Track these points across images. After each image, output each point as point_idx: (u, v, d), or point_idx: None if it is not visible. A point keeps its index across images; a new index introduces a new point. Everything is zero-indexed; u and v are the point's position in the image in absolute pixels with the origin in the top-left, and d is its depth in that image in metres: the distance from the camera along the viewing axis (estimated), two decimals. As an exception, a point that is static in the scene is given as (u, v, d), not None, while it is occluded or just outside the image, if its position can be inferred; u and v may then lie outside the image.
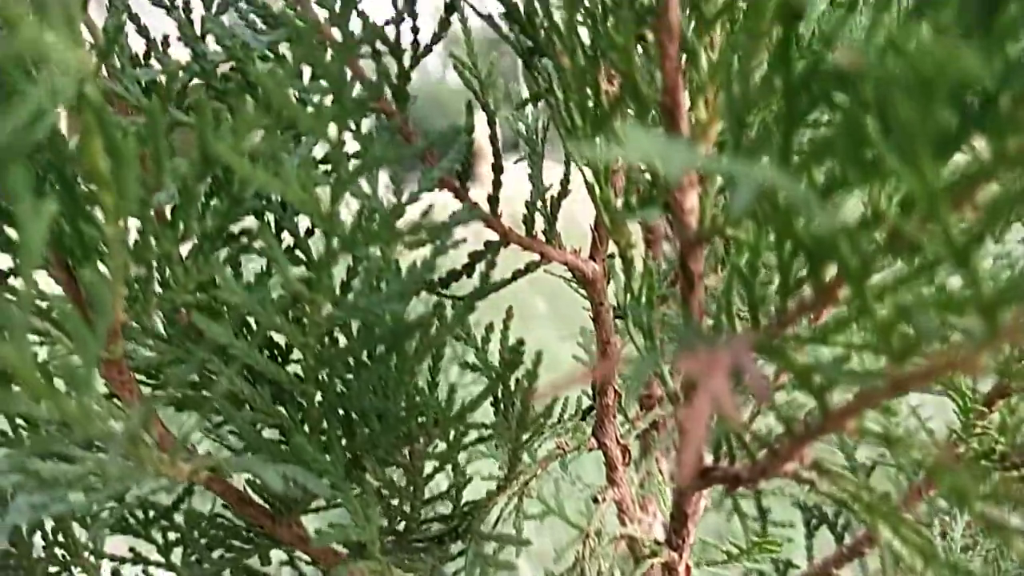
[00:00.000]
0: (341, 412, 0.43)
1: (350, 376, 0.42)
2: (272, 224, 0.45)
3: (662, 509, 0.63)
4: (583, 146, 0.37)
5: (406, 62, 0.44)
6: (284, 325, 0.39)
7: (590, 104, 0.41)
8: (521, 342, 0.43)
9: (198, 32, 0.46)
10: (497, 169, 0.49)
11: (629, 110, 0.38)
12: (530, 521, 0.65)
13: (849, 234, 0.29)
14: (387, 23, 0.44)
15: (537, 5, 0.41)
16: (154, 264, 0.37)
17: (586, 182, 0.45)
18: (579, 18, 0.40)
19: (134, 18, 0.45)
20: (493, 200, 0.48)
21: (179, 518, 0.55)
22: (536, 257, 0.52)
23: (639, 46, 0.37)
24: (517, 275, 0.51)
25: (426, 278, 0.40)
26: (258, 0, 0.43)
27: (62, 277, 0.40)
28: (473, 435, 0.52)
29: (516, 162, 0.58)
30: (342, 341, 0.44)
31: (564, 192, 0.52)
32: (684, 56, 0.36)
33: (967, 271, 0.24)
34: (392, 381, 0.41)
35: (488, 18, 0.44)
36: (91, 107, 0.28)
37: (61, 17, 0.23)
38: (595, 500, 0.64)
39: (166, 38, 0.45)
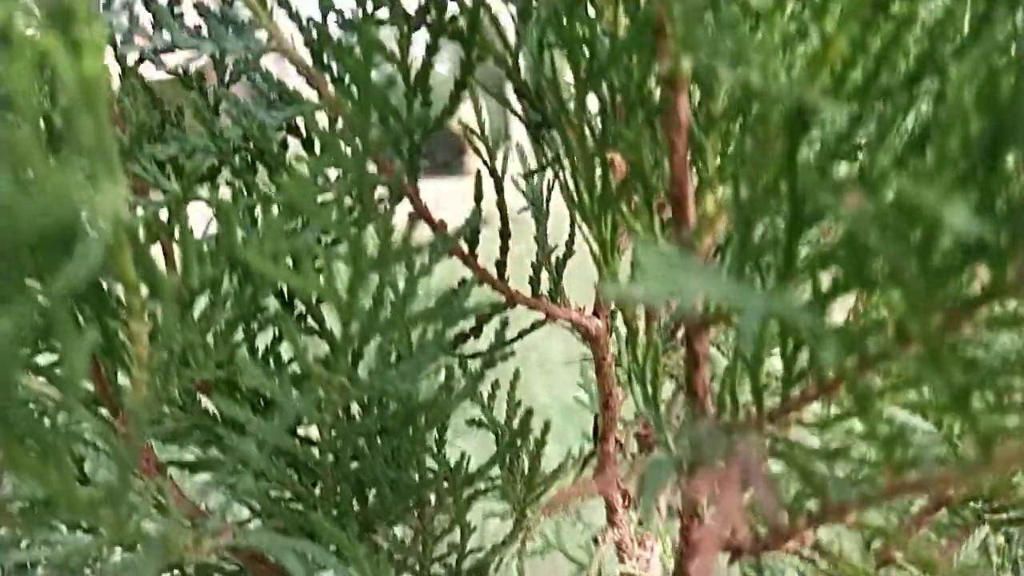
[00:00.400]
0: (355, 480, 0.44)
1: (363, 445, 0.43)
2: (284, 292, 0.46)
3: (663, 554, 0.65)
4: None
5: (416, 136, 0.45)
6: (300, 403, 0.40)
7: (598, 184, 0.42)
8: (530, 411, 0.44)
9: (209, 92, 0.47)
10: (504, 235, 0.50)
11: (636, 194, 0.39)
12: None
13: (849, 340, 0.31)
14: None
15: (546, 85, 0.42)
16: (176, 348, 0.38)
17: (592, 254, 0.46)
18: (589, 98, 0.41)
19: (147, 89, 0.46)
20: (500, 265, 0.49)
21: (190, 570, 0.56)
22: (542, 315, 0.53)
23: (648, 132, 0.38)
24: (523, 334, 0.52)
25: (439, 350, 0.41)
26: (272, 75, 0.44)
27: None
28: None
29: (520, 211, 0.59)
30: (354, 408, 0.45)
31: (569, 253, 0.53)
32: (692, 149, 0.37)
33: (964, 412, 0.25)
34: (404, 452, 0.43)
35: (499, 95, 0.46)
36: (123, 226, 0.29)
37: (104, 167, 0.24)
38: (595, 541, 0.65)
39: (180, 109, 0.46)
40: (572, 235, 0.52)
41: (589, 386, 0.71)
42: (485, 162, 0.50)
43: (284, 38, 0.44)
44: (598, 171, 0.41)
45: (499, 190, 0.50)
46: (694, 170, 0.37)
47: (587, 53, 0.38)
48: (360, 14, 0.43)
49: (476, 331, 0.50)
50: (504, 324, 0.45)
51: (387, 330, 0.38)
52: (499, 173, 0.50)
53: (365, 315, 0.37)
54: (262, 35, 0.44)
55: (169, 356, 0.38)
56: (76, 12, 0.22)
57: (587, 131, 0.40)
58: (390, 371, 0.40)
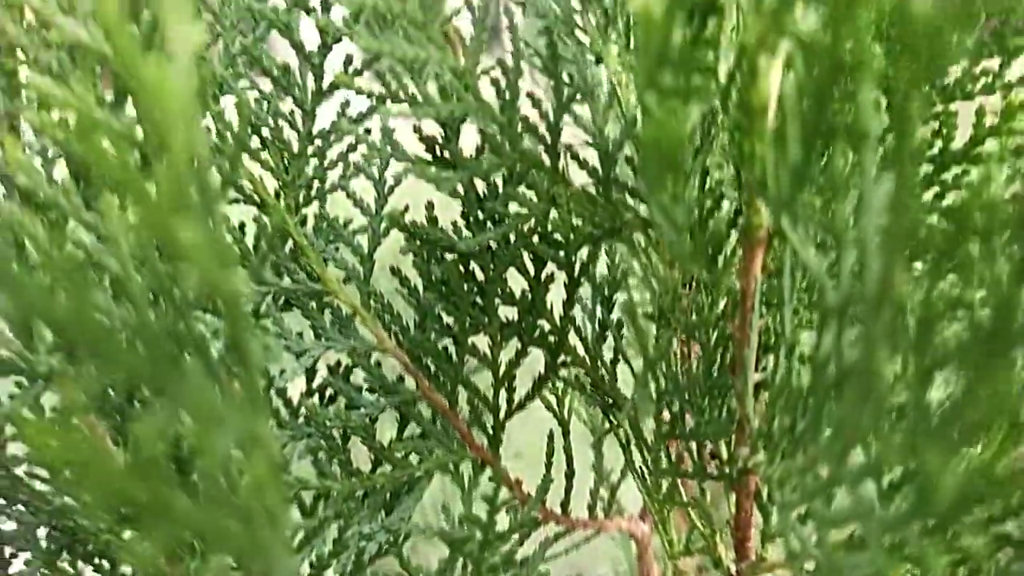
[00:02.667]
0: None
1: None
2: None
3: None
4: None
5: (501, 416, 0.50)
6: None
7: (664, 486, 0.48)
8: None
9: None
10: (569, 476, 0.56)
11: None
12: None
13: None
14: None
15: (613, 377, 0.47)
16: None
17: (654, 518, 0.52)
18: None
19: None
20: (564, 505, 0.55)
21: None
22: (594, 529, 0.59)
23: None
24: (578, 546, 0.59)
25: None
26: (373, 368, 0.49)
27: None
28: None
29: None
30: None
31: (623, 476, 0.59)
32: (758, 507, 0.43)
33: None
34: None
35: (576, 380, 0.51)
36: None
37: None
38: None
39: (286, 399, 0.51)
40: (628, 458, 0.58)
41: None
42: (554, 413, 0.55)
43: (387, 338, 0.49)
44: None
45: (565, 435, 0.55)
46: (760, 529, 0.43)
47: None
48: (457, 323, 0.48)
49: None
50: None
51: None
52: (567, 423, 0.55)
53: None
54: (367, 334, 0.49)
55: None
56: None
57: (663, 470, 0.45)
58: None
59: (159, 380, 0.20)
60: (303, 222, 0.49)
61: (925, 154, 0.41)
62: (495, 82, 0.41)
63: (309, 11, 0.44)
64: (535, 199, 0.43)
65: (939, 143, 0.43)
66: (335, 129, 0.46)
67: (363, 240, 0.50)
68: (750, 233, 0.34)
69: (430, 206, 0.47)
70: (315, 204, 0.51)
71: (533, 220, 0.44)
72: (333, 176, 0.51)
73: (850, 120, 0.20)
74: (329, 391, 0.51)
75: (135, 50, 0.20)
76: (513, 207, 0.44)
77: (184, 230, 0.19)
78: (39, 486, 0.49)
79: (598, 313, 0.49)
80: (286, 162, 0.46)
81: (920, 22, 0.16)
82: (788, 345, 0.32)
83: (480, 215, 0.44)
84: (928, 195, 0.44)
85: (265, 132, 0.46)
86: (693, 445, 0.44)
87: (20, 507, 0.45)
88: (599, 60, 0.59)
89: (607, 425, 0.57)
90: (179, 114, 0.20)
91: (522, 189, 0.44)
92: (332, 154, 0.48)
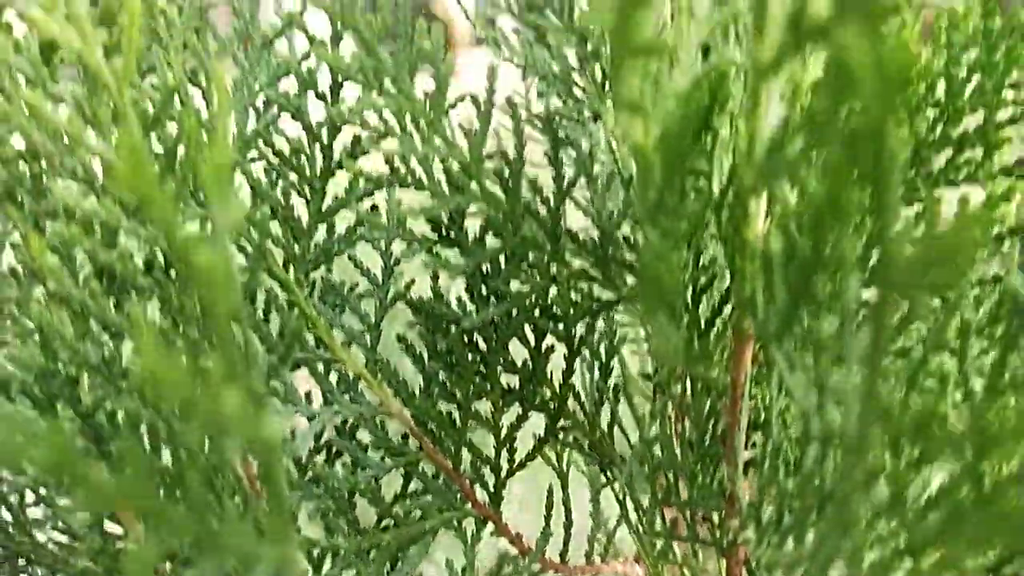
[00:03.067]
0: None
1: None
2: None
3: None
4: None
5: (502, 475, 0.52)
6: None
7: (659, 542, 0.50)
8: None
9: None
10: (568, 527, 0.58)
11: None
12: None
13: None
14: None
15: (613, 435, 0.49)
16: None
17: (645, 551, 0.55)
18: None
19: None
20: (563, 555, 0.58)
21: None
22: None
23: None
24: (576, 589, 0.61)
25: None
26: (379, 431, 0.51)
27: None
28: None
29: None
30: None
31: (619, 523, 0.61)
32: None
33: None
34: None
35: (574, 440, 0.53)
36: None
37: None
38: None
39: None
40: (624, 512, 0.60)
41: None
42: (553, 468, 0.57)
43: (392, 401, 0.51)
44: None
45: (564, 488, 0.58)
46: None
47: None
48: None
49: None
50: None
51: None
52: (565, 475, 0.58)
53: None
54: (373, 397, 0.51)
55: None
56: None
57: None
58: None
59: (204, 533, 0.22)
60: (312, 289, 0.51)
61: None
62: (498, 172, 0.42)
63: (320, 97, 0.46)
64: (536, 276, 0.45)
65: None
66: (343, 204, 0.48)
67: (368, 305, 0.52)
68: (740, 332, 0.37)
69: (435, 276, 0.49)
70: (322, 268, 0.52)
71: (534, 295, 0.46)
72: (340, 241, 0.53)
73: (834, 291, 0.22)
74: (335, 448, 0.53)
75: (180, 231, 0.22)
76: (515, 284, 0.46)
77: (231, 401, 0.21)
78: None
79: (595, 378, 0.51)
80: (295, 236, 0.48)
81: (900, 271, 0.18)
82: (776, 446, 0.34)
83: (484, 290, 0.46)
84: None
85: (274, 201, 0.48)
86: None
87: (42, 569, 0.47)
88: (596, 118, 0.61)
89: (604, 479, 0.60)
90: (224, 287, 0.22)
91: (523, 266, 0.46)
92: (340, 227, 0.50)
